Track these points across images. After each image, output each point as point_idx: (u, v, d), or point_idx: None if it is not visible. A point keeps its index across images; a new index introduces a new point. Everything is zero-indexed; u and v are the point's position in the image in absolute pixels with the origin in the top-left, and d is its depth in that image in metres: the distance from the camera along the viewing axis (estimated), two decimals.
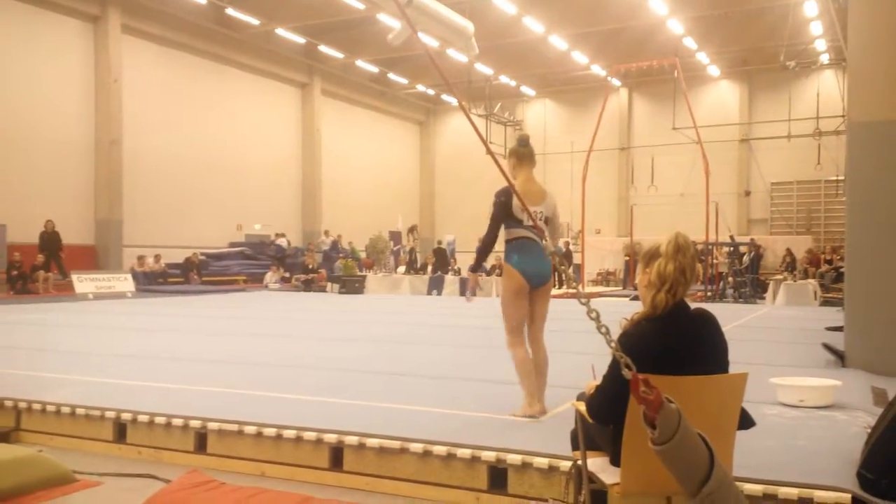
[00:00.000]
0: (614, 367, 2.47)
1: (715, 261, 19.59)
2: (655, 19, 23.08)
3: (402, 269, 23.35)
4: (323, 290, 21.12)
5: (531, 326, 4.61)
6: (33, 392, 5.10)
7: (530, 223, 4.40)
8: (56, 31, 20.00)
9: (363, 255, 26.17)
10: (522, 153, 4.57)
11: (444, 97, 33.98)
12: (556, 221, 4.68)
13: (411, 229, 28.24)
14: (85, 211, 20.59)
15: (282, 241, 25.44)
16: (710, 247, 19.11)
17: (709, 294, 18.45)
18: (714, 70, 28.92)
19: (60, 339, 8.74)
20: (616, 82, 29.32)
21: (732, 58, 28.14)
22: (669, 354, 2.49)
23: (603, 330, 2.05)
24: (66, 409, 4.73)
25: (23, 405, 4.88)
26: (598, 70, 28.76)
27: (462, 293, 19.20)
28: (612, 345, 2.10)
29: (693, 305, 2.65)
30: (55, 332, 9.73)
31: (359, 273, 22.21)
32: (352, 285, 20.35)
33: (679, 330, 2.56)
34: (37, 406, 4.83)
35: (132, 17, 21.39)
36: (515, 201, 4.39)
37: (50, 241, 18.26)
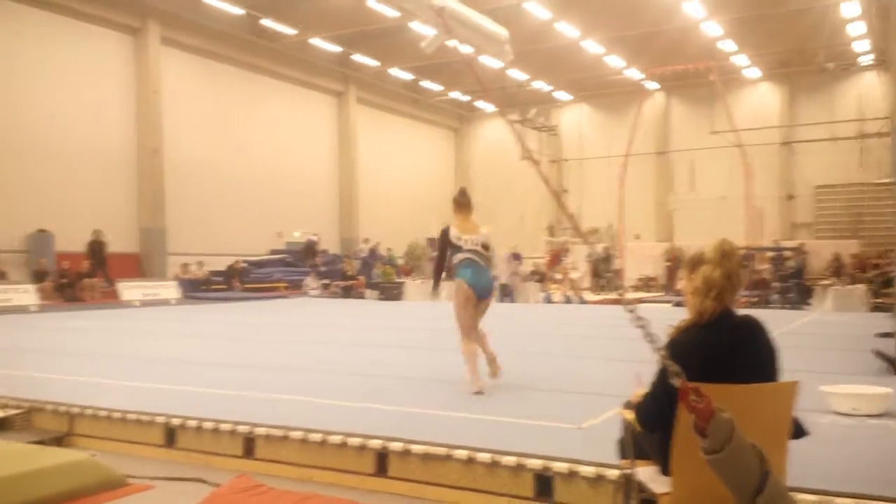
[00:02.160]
0: (662, 375, 2.45)
1: (759, 266, 19.22)
2: (691, 22, 22.78)
3: None
4: (361, 296, 21.26)
5: (474, 320, 5.85)
6: (85, 397, 5.23)
7: (469, 247, 5.74)
8: (97, 44, 20.46)
9: (401, 261, 26.24)
10: (460, 202, 5.97)
11: (478, 104, 33.96)
12: (491, 248, 5.98)
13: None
14: (129, 219, 21.01)
15: (313, 238, 25.51)
16: (752, 252, 18.77)
17: (753, 300, 18.12)
18: (753, 72, 28.41)
19: (109, 345, 8.92)
20: (652, 86, 29.00)
21: (772, 59, 27.58)
22: (717, 362, 2.46)
23: (651, 339, 2.04)
24: (116, 415, 4.84)
25: (75, 410, 5.01)
26: (634, 74, 28.51)
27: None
28: (661, 353, 2.08)
29: (740, 312, 2.62)
30: (104, 337, 9.92)
31: (397, 280, 22.30)
32: (390, 292, 20.45)
33: (727, 337, 2.53)
34: (88, 411, 4.95)
35: (171, 30, 21.82)
36: (452, 232, 5.79)
37: (97, 249, 18.70)
